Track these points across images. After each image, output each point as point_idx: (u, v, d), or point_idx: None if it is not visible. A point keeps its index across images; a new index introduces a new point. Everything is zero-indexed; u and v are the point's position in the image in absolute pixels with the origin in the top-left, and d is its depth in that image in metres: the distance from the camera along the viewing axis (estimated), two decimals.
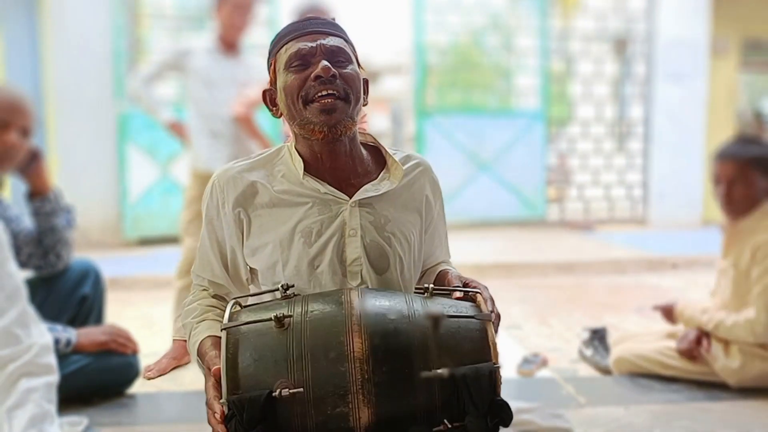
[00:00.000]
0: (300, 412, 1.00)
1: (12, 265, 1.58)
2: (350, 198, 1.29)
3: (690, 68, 6.76)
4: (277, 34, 1.33)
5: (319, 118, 1.23)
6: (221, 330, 1.05)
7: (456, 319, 1.08)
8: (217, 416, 1.08)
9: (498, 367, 1.05)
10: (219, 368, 1.11)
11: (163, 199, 5.75)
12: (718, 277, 2.55)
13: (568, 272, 4.92)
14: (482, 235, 6.06)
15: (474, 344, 1.06)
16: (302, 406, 1.00)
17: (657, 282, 4.64)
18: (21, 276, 1.64)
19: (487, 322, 1.08)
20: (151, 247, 5.60)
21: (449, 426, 1.03)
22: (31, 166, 2.25)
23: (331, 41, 1.27)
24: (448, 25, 6.64)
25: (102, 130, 5.63)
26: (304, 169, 1.29)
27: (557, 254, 5.36)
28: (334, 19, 1.34)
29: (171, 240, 5.66)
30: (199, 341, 1.26)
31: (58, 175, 5.24)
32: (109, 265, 3.76)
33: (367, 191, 1.30)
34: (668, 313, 2.62)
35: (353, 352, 1.00)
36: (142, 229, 5.73)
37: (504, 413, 1.04)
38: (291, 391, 0.99)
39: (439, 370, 1.02)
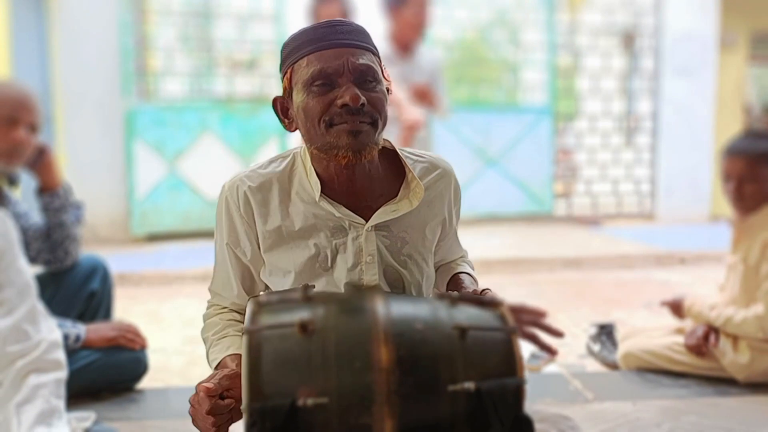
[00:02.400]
0: (322, 422, 0.97)
1: (22, 262, 1.59)
2: (366, 221, 1.23)
3: (698, 62, 6.72)
4: (295, 39, 1.20)
5: (344, 141, 1.14)
6: (243, 334, 1.02)
7: (482, 331, 1.06)
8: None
9: (524, 383, 1.03)
10: (212, 387, 1.11)
11: (171, 195, 5.77)
12: (727, 272, 2.54)
13: (576, 267, 4.91)
14: (489, 230, 6.05)
15: (500, 357, 1.04)
16: (325, 416, 0.97)
17: (665, 277, 4.62)
18: (30, 272, 1.65)
19: (512, 334, 1.06)
20: (159, 243, 5.63)
21: None
22: (40, 161, 2.26)
23: (360, 58, 1.16)
24: (455, 20, 6.63)
25: (109, 126, 5.65)
26: (321, 189, 1.22)
27: (565, 249, 5.35)
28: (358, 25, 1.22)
29: (178, 236, 5.68)
30: (219, 360, 1.24)
31: (65, 171, 5.25)
32: (117, 261, 3.78)
33: (384, 214, 1.24)
34: (676, 308, 2.61)
35: (380, 362, 0.97)
36: (149, 225, 5.75)
37: (527, 429, 1.03)
38: (315, 401, 0.96)
39: (465, 384, 1.00)
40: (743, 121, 7.19)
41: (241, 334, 1.28)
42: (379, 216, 1.24)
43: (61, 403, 1.57)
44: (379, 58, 1.22)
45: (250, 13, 5.93)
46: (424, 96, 3.34)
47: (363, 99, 1.14)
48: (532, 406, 1.09)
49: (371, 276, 1.24)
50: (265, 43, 6.02)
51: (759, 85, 8.03)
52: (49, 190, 2.30)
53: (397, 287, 1.27)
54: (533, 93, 6.91)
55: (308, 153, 1.25)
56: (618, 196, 6.98)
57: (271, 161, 1.30)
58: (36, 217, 2.36)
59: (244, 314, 1.31)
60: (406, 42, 3.26)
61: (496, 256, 4.89)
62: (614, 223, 6.73)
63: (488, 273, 4.53)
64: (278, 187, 1.26)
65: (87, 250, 2.52)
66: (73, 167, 5.41)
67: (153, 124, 5.72)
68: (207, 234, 5.40)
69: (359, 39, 1.19)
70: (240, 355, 1.22)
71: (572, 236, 6.02)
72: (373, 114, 1.16)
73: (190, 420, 1.16)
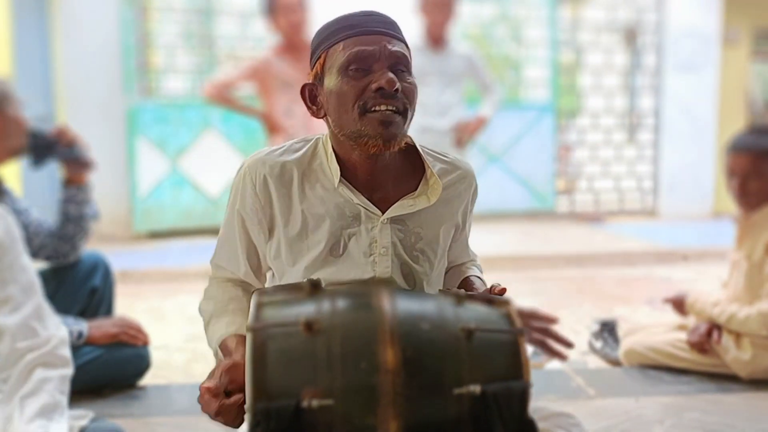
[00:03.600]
0: (326, 422, 0.96)
1: (26, 259, 1.59)
2: (383, 213, 1.23)
3: (701, 59, 6.70)
4: (330, 26, 1.21)
5: (376, 130, 1.15)
6: (247, 331, 1.00)
7: (488, 333, 1.04)
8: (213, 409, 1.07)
9: (529, 386, 1.02)
10: (212, 387, 1.09)
11: (173, 192, 5.77)
12: (731, 269, 2.54)
13: (578, 264, 4.91)
14: (491, 227, 6.04)
15: (506, 359, 1.03)
16: (329, 417, 0.96)
17: (667, 274, 4.62)
18: (34, 269, 1.65)
19: (519, 336, 1.05)
20: (161, 240, 5.63)
21: None
22: (80, 157, 2.35)
23: (395, 46, 1.18)
24: (457, 17, 6.60)
25: (111, 123, 5.65)
26: (340, 174, 1.22)
27: (567, 246, 5.34)
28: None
29: (181, 233, 5.68)
30: (221, 337, 1.24)
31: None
32: (120, 258, 3.79)
33: (401, 208, 1.24)
34: (679, 305, 2.61)
35: (386, 363, 0.96)
36: (152, 222, 5.75)
37: None
38: (320, 403, 0.95)
39: (471, 387, 0.99)
40: (746, 118, 7.16)
41: (242, 310, 1.28)
42: (396, 209, 1.24)
43: (64, 399, 1.57)
44: (409, 51, 1.23)
45: (251, 10, 5.91)
46: (467, 130, 3.66)
47: (398, 84, 1.15)
48: (534, 403, 1.09)
49: (384, 268, 1.23)
50: (267, 40, 6.01)
51: (762, 82, 8.00)
52: (76, 183, 2.35)
53: (409, 282, 1.27)
54: (535, 90, 6.90)
55: (332, 139, 1.25)
56: (620, 192, 6.97)
57: (293, 144, 1.30)
58: (35, 213, 2.37)
59: (248, 290, 1.32)
60: (435, 36, 3.41)
61: (498, 253, 4.88)
62: (616, 219, 6.72)
63: (490, 270, 4.49)
64: (298, 172, 1.25)
65: (89, 247, 2.53)
66: None
67: (155, 122, 5.71)
68: (209, 231, 5.40)
69: (394, 29, 1.20)
70: (241, 336, 1.21)
71: (574, 233, 6.02)
72: (405, 103, 1.18)
73: (192, 417, 1.16)
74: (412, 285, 1.27)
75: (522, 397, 1.01)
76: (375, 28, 1.18)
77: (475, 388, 0.98)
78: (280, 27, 3.33)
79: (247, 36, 6.10)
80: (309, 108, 1.26)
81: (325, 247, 1.23)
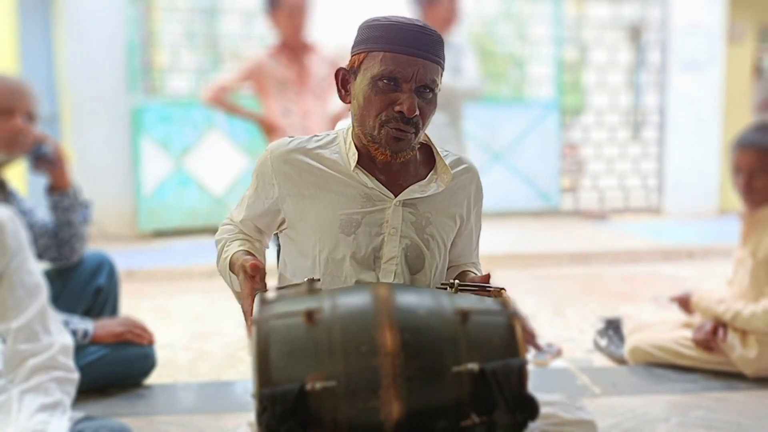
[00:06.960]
0: (331, 406, 1.00)
1: (32, 263, 1.58)
2: (395, 196, 1.33)
3: (706, 55, 6.67)
4: (379, 28, 1.28)
5: (388, 143, 1.27)
6: (251, 324, 1.06)
7: (483, 315, 1.09)
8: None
9: (526, 363, 1.06)
10: (255, 263, 1.20)
11: (178, 191, 5.78)
12: (736, 266, 2.53)
13: (583, 262, 4.90)
14: (496, 225, 6.03)
15: (502, 340, 1.07)
16: (333, 400, 1.00)
17: (672, 272, 4.61)
18: (40, 271, 1.64)
19: (513, 317, 1.09)
20: (166, 239, 5.64)
21: (477, 420, 1.03)
22: (52, 160, 2.27)
23: (428, 72, 1.26)
24: (462, 17, 6.59)
25: (116, 123, 5.66)
26: (357, 161, 1.32)
27: (571, 244, 5.34)
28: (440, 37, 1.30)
29: (185, 232, 5.70)
30: (230, 254, 1.35)
31: (72, 168, 5.27)
32: (125, 257, 3.80)
33: (413, 192, 1.34)
34: (684, 303, 2.60)
35: (385, 346, 1.01)
36: (156, 221, 5.77)
37: (532, 408, 1.05)
38: (323, 385, 0.99)
39: (469, 365, 1.03)
40: (751, 114, 7.14)
41: (248, 239, 1.42)
42: (408, 193, 1.33)
43: (66, 399, 1.55)
44: (443, 68, 1.31)
45: (255, 9, 5.92)
46: None
47: (417, 111, 1.25)
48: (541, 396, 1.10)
49: (392, 248, 1.32)
50: (271, 39, 6.01)
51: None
52: (59, 190, 2.32)
53: (418, 264, 1.34)
54: (539, 87, 6.88)
55: (353, 129, 1.35)
56: (625, 190, 6.95)
57: (314, 135, 1.40)
58: (41, 213, 2.37)
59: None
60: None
61: (502, 251, 4.88)
62: (621, 217, 6.71)
63: (495, 268, 4.52)
64: (317, 155, 1.36)
65: (94, 247, 2.53)
66: (80, 164, 5.42)
67: (159, 121, 5.72)
68: (214, 230, 5.39)
69: (434, 52, 1.28)
70: (250, 251, 1.35)
71: (579, 231, 6.01)
72: (419, 124, 1.28)
73: (197, 416, 1.18)
74: (421, 267, 1.34)
75: (520, 373, 1.05)
76: (418, 50, 1.25)
77: (474, 366, 1.03)
78: (280, 26, 3.32)
79: (251, 35, 6.10)
80: (339, 91, 1.36)
81: (339, 226, 1.31)
